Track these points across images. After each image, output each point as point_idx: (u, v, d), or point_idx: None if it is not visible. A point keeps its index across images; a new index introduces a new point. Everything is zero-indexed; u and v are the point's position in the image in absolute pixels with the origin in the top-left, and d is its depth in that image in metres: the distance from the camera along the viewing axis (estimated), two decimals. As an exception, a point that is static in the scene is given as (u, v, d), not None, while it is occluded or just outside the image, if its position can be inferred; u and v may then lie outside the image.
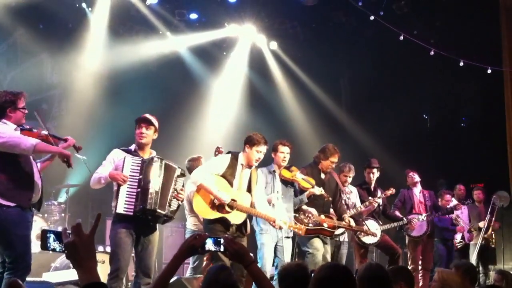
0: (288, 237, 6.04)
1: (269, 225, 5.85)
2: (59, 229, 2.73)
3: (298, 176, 6.16)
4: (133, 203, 4.97)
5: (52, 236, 2.12)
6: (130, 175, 5.00)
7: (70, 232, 2.07)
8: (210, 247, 2.66)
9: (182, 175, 5.33)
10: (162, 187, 5.07)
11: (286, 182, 6.23)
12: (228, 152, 5.77)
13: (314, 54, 11.48)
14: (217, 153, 6.46)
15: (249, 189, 5.67)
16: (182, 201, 5.33)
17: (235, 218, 5.52)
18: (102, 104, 10.02)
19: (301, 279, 3.38)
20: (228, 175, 5.55)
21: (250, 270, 2.66)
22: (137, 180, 5.01)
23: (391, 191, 7.59)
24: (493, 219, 8.85)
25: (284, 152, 6.19)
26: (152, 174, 5.02)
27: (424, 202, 8.13)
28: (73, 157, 5.28)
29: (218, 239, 2.69)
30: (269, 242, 5.88)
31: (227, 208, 5.43)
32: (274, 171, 6.13)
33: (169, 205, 5.16)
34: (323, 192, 6.30)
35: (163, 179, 5.08)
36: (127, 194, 4.99)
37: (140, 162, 5.07)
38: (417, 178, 8.24)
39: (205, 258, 6.96)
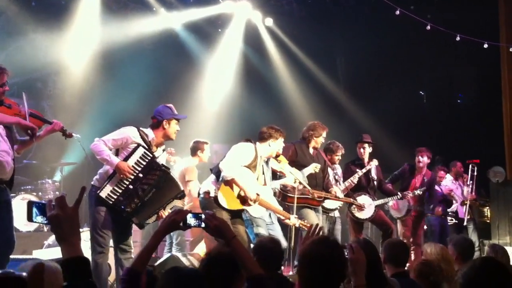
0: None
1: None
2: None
3: (286, 168, 6.06)
4: (118, 195, 4.82)
5: (36, 208, 2.10)
6: (132, 166, 4.82)
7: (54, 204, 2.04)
8: (191, 222, 2.66)
9: (181, 197, 5.18)
10: (154, 198, 4.91)
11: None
12: (248, 140, 5.71)
13: (310, 31, 11.38)
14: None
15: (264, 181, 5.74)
16: (160, 219, 5.07)
17: (255, 211, 5.59)
18: (97, 82, 9.95)
19: (276, 254, 3.42)
20: (252, 167, 5.56)
21: (231, 245, 2.64)
22: (134, 175, 4.82)
23: (374, 162, 7.54)
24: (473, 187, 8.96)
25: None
26: (152, 182, 4.86)
27: (421, 182, 8.11)
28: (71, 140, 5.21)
29: (199, 215, 2.68)
30: (261, 221, 5.89)
31: (250, 202, 5.47)
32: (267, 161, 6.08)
33: (149, 217, 5.02)
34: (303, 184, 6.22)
35: (159, 192, 4.92)
36: (118, 183, 4.82)
37: (149, 160, 4.85)
38: (423, 161, 8.11)
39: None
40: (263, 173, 5.75)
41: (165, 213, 4.99)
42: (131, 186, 4.82)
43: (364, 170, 7.37)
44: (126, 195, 4.82)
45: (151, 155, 4.89)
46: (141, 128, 5.02)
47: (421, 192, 7.86)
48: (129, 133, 4.94)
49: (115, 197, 4.81)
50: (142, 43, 10.62)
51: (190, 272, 2.58)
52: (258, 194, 5.52)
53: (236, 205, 5.47)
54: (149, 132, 5.03)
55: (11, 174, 4.65)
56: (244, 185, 5.39)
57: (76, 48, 9.85)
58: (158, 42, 10.80)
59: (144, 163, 4.84)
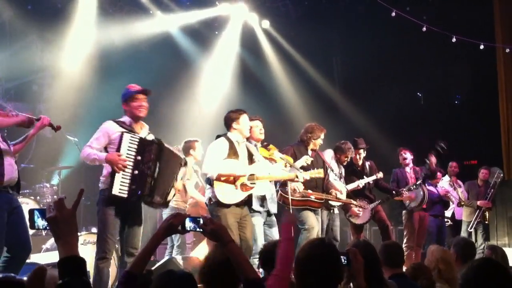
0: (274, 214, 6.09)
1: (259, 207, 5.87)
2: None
3: (276, 155, 6.10)
4: (128, 185, 4.74)
5: (37, 214, 2.16)
6: (127, 155, 4.76)
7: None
8: (188, 226, 2.67)
9: (185, 164, 5.20)
10: (162, 172, 4.88)
11: None
12: (218, 136, 5.72)
13: (306, 32, 11.39)
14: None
15: (251, 161, 5.72)
16: (178, 191, 5.13)
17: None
18: (93, 85, 9.93)
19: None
20: (232, 156, 5.55)
21: (228, 249, 2.64)
22: (133, 160, 4.77)
23: (380, 174, 7.58)
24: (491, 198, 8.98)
25: (258, 126, 6.15)
26: (152, 157, 4.84)
27: (415, 178, 8.14)
28: (65, 139, 5.19)
29: (197, 219, 2.69)
30: (260, 221, 5.89)
31: (250, 185, 5.45)
32: (255, 145, 6.10)
33: (167, 193, 5.01)
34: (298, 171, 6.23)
35: (163, 164, 4.89)
36: (123, 175, 4.74)
37: (138, 141, 4.84)
38: (408, 157, 8.21)
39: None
40: (249, 154, 5.71)
41: (179, 185, 5.14)
42: (136, 171, 4.78)
43: (370, 180, 7.42)
44: (136, 180, 4.77)
45: (138, 136, 4.89)
46: (116, 119, 5.01)
47: (417, 188, 7.87)
48: (107, 126, 4.93)
49: (127, 188, 4.74)
50: (139, 46, 10.62)
51: (183, 275, 2.58)
52: (253, 174, 5.50)
53: (239, 196, 5.44)
54: (125, 118, 5.03)
55: (17, 176, 4.65)
56: (231, 172, 5.39)
57: (72, 51, 9.84)
58: (154, 45, 10.80)
59: (136, 146, 4.83)
